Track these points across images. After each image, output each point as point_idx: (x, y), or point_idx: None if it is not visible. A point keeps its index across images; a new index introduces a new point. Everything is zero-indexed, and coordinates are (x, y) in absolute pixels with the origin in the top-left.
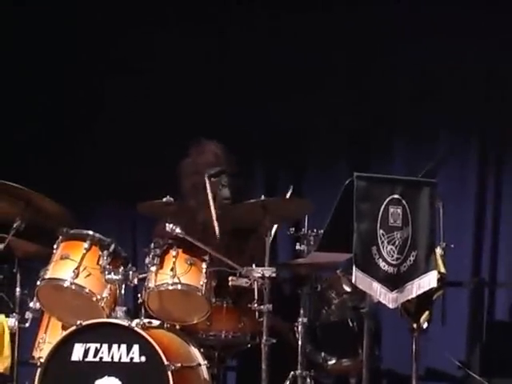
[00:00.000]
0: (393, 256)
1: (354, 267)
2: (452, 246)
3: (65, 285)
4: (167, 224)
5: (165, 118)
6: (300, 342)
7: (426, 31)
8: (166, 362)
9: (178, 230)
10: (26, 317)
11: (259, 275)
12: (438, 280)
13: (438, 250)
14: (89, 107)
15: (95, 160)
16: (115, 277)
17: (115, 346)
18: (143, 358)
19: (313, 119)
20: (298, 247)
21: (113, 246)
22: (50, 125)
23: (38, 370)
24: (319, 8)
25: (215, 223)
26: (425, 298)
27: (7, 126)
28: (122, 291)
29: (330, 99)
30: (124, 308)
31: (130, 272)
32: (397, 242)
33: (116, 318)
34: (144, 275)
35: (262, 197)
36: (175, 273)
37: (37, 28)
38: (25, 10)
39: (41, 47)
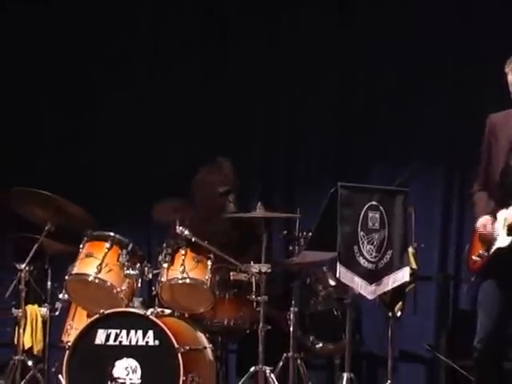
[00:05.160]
0: (371, 254)
1: (338, 264)
2: (422, 245)
3: (89, 279)
4: (177, 227)
5: (172, 122)
6: (291, 328)
7: (407, 53)
8: (176, 346)
9: (186, 232)
10: (56, 306)
11: (256, 271)
12: (410, 275)
13: (410, 249)
14: (103, 114)
15: (114, 173)
16: (133, 272)
17: (133, 332)
18: (157, 342)
19: (304, 138)
20: (290, 248)
21: (131, 246)
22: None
23: (66, 352)
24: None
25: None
26: (399, 291)
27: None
28: (139, 284)
29: (316, 124)
30: (140, 299)
31: (146, 268)
32: (375, 242)
33: (133, 307)
34: (157, 271)
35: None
36: (184, 269)
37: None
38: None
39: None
